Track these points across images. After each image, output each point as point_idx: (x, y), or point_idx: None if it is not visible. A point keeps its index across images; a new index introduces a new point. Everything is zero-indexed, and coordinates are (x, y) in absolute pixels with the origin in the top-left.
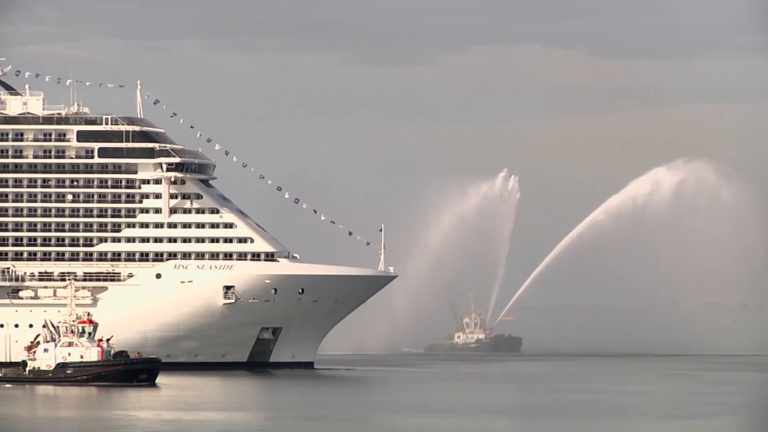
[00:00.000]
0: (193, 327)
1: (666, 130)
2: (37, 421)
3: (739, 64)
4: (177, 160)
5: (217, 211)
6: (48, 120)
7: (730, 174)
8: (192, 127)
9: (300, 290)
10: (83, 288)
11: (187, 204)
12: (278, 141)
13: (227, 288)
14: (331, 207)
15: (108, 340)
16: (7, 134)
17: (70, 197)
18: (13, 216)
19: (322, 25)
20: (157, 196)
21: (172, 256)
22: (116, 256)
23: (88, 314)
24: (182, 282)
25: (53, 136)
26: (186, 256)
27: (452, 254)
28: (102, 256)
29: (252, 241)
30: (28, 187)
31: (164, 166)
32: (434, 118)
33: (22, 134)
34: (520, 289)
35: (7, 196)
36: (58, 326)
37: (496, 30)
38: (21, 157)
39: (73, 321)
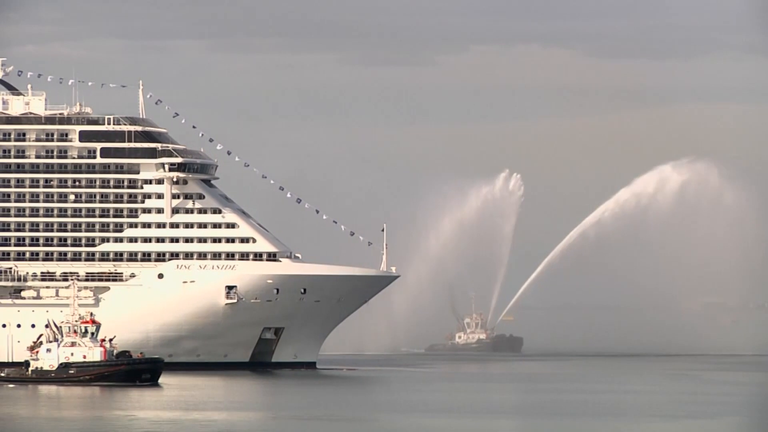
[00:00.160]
0: (195, 327)
1: (666, 130)
2: (39, 421)
3: (739, 64)
4: (179, 160)
5: (219, 211)
6: (50, 120)
7: (732, 175)
8: (194, 127)
9: (302, 290)
10: (85, 288)
11: (190, 204)
12: (279, 141)
13: (229, 288)
14: (333, 207)
15: (111, 340)
16: (10, 134)
17: (72, 197)
18: (16, 216)
19: (322, 25)
20: (160, 196)
21: (175, 256)
22: (118, 256)
23: (91, 314)
24: (184, 282)
25: (55, 136)
26: (188, 256)
27: (453, 254)
28: (104, 256)
29: (254, 241)
30: (31, 187)
31: (166, 167)
32: (434, 118)
33: (24, 134)
34: (521, 289)
35: (9, 196)
36: (61, 326)
37: (496, 30)
38: (23, 157)
39: (76, 321)
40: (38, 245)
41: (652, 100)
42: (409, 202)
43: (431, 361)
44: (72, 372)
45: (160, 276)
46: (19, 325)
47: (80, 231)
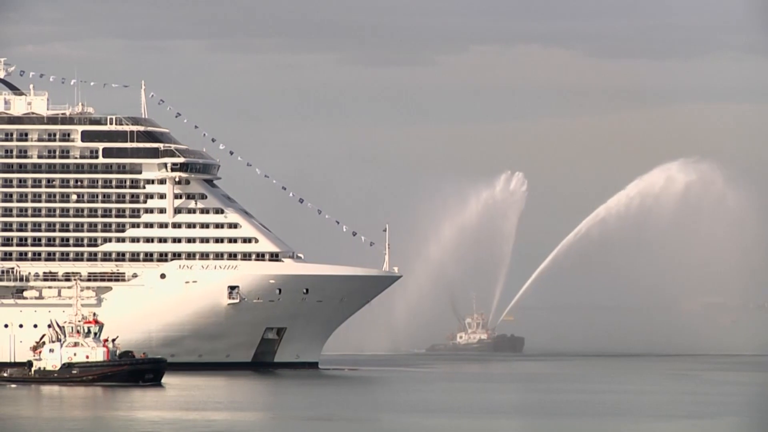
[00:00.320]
0: (197, 327)
1: (666, 130)
2: (42, 422)
3: (739, 64)
4: (181, 160)
5: (222, 211)
6: (52, 120)
7: (734, 175)
8: (196, 127)
9: (304, 290)
10: (87, 288)
11: (192, 204)
12: (279, 141)
13: (232, 288)
14: (335, 207)
15: (114, 340)
16: (12, 134)
17: (74, 197)
18: (18, 216)
19: (322, 25)
20: (162, 196)
21: (177, 256)
22: (121, 256)
23: (94, 314)
24: (187, 282)
25: (58, 136)
26: (190, 256)
27: (454, 255)
28: (106, 256)
29: (256, 241)
30: (33, 187)
31: (169, 166)
32: (434, 118)
33: (26, 134)
34: (522, 289)
35: (11, 196)
36: (64, 326)
37: (495, 30)
38: (25, 157)
39: (79, 321)
40: (40, 245)
41: (652, 100)
42: (411, 203)
43: (432, 361)
44: (75, 372)
45: (163, 276)
46: (21, 326)
47: (82, 231)
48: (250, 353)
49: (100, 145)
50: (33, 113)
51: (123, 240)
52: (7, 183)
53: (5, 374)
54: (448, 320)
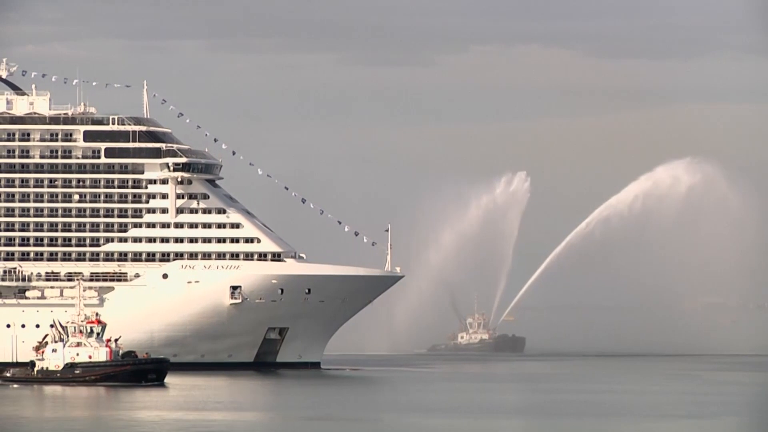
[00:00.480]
0: (199, 327)
1: (666, 130)
2: (44, 422)
3: (739, 64)
4: (184, 160)
5: (224, 211)
6: (54, 120)
7: (735, 175)
8: (199, 127)
9: (306, 290)
10: (90, 288)
11: (194, 204)
12: (279, 141)
13: (234, 288)
14: (336, 207)
15: (116, 340)
16: (14, 134)
17: (76, 197)
18: (20, 216)
19: (322, 25)
20: (164, 196)
21: (179, 256)
22: (123, 256)
23: (97, 314)
24: (189, 282)
25: (60, 136)
26: (193, 256)
27: (456, 255)
28: (109, 256)
29: (258, 241)
30: (35, 187)
31: (171, 166)
32: (434, 118)
33: (28, 134)
34: (522, 289)
35: (13, 196)
36: (66, 326)
37: (495, 30)
38: (28, 157)
39: (82, 321)
40: (42, 245)
41: (652, 100)
42: (412, 203)
43: (433, 361)
44: (78, 372)
45: (165, 276)
46: (23, 326)
47: (84, 231)
48: (253, 353)
49: (103, 145)
50: (35, 113)
51: (125, 240)
52: (10, 183)
53: (8, 374)
54: (449, 320)
